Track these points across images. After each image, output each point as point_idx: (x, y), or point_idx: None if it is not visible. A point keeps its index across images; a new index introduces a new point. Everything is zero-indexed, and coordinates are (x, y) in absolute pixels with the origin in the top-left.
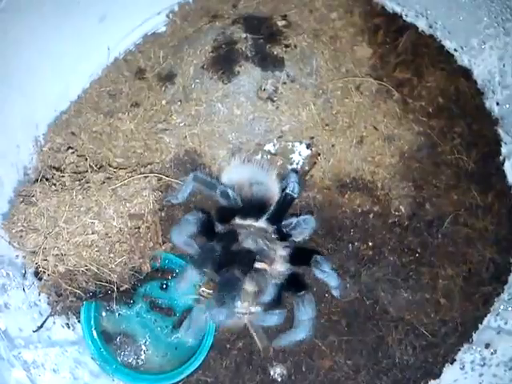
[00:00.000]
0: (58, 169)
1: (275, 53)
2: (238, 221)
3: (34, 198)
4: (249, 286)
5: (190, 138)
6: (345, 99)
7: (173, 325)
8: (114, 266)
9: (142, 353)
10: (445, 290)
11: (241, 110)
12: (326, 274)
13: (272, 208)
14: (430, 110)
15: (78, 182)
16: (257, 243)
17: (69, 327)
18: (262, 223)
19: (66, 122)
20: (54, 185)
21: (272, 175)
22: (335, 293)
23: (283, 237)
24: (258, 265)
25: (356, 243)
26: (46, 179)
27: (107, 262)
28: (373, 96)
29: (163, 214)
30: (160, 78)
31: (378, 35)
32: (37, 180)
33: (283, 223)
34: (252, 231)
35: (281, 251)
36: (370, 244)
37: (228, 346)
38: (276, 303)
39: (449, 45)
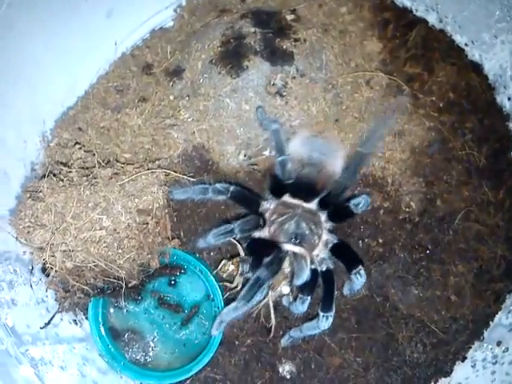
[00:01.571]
0: (65, 164)
1: (284, 47)
2: (287, 198)
3: (41, 194)
4: (285, 266)
5: (198, 133)
6: (354, 94)
7: (181, 321)
8: (122, 262)
9: (150, 350)
10: (456, 286)
11: (249, 105)
12: (359, 283)
13: (326, 191)
14: (441, 105)
15: (85, 178)
16: (299, 227)
17: (76, 324)
18: (312, 205)
19: (74, 118)
20: (62, 180)
21: (335, 158)
22: (346, 291)
23: (333, 220)
24: (296, 249)
25: (366, 240)
26: (54, 175)
27: (115, 257)
28: (383, 91)
29: (172, 210)
30: (168, 73)
31: (388, 30)
32: (44, 176)
33: (352, 202)
34: (298, 212)
35: (324, 236)
36: (381, 240)
37: (237, 342)
38: (307, 289)
39: (459, 39)
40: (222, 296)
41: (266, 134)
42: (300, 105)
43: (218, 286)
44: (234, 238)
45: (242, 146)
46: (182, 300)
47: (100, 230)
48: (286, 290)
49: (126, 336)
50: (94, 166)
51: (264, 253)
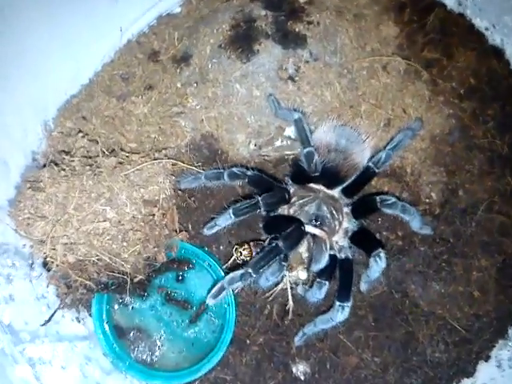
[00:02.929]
0: (67, 153)
1: (297, 30)
2: (310, 185)
3: (41, 184)
4: (302, 249)
5: (207, 121)
6: (371, 79)
7: (189, 319)
8: (127, 256)
9: (157, 348)
10: (479, 282)
11: (260, 90)
12: (377, 268)
13: (350, 180)
14: (461, 91)
15: (88, 167)
16: (320, 209)
17: (79, 321)
18: (334, 192)
19: (77, 106)
20: (63, 170)
21: (363, 147)
22: (363, 286)
23: (356, 210)
24: (316, 231)
25: (384, 233)
26: (55, 164)
27: (120, 251)
28: (400, 77)
29: (180, 201)
30: (175, 60)
31: (404, 14)
32: (45, 165)
33: (381, 198)
34: (319, 196)
35: (345, 224)
36: (400, 233)
37: (248, 341)
38: (325, 275)
39: (479, 23)
40: (233, 291)
41: (278, 122)
42: (313, 90)
43: None
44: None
45: (252, 135)
46: (191, 296)
47: (103, 221)
48: (303, 275)
49: (131, 334)
50: (98, 155)
51: (283, 230)
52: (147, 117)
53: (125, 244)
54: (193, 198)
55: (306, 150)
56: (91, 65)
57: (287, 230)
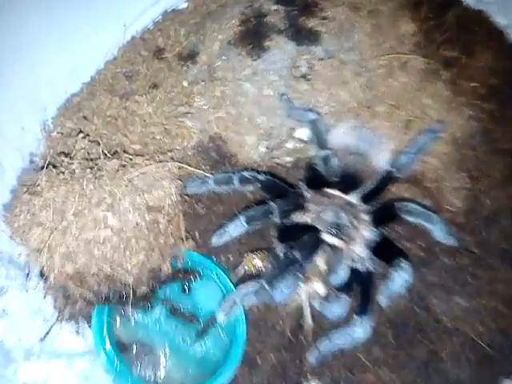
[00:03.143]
0: (67, 155)
1: (310, 26)
2: (326, 190)
3: (39, 188)
4: (319, 261)
5: (215, 122)
6: (389, 78)
7: (196, 333)
8: (129, 266)
9: (161, 366)
10: (504, 295)
11: (272, 89)
12: (400, 281)
13: (368, 185)
14: (483, 92)
15: (89, 170)
16: (338, 217)
17: (78, 335)
18: (352, 198)
19: (78, 106)
20: (62, 173)
21: (381, 149)
22: (382, 302)
23: (376, 218)
24: (334, 241)
25: (405, 243)
26: (54, 166)
27: (122, 261)
28: (419, 76)
29: (186, 207)
30: (181, 58)
31: (421, 11)
32: (43, 168)
33: (401, 205)
34: (336, 203)
35: (365, 232)
36: (421, 244)
37: (259, 359)
38: (344, 288)
39: (499, 21)
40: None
41: (291, 123)
42: (328, 89)
43: None
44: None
45: (263, 137)
46: (197, 309)
47: (105, 229)
48: (320, 289)
49: (133, 350)
50: (99, 158)
51: (299, 239)
52: (152, 117)
53: (127, 253)
54: (200, 205)
55: (323, 154)
56: (93, 62)
57: (303, 239)
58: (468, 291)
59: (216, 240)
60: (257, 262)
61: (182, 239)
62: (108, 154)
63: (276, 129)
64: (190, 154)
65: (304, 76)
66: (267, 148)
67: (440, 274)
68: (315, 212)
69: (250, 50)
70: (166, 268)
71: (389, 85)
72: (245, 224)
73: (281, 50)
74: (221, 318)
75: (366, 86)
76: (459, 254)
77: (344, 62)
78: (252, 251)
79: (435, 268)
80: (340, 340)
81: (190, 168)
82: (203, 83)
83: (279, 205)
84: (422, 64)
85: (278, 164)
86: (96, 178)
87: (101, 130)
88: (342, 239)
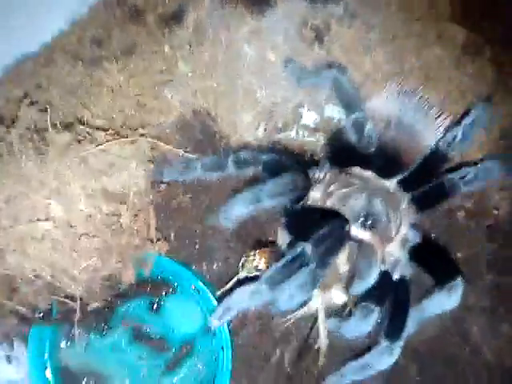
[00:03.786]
0: (2, 122)
1: None
2: (356, 170)
3: None
4: (342, 261)
5: (202, 93)
6: (422, 50)
7: (166, 364)
8: (77, 273)
9: None
10: None
11: (276, 54)
12: (447, 305)
13: (412, 167)
14: None
15: (31, 144)
16: (372, 204)
17: (9, 361)
18: (390, 183)
19: (32, 71)
20: None
21: (432, 126)
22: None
23: (419, 205)
24: (365, 235)
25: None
26: None
27: (68, 265)
28: (458, 51)
29: (159, 198)
30: (163, 19)
31: None
32: None
33: (458, 173)
34: (370, 187)
35: (405, 230)
36: (460, 255)
37: None
38: (373, 298)
39: None
40: (229, 327)
41: (299, 98)
42: (347, 56)
43: None
44: None
45: (262, 116)
46: (169, 333)
47: (45, 221)
48: (338, 297)
49: (84, 382)
50: (47, 129)
51: (316, 230)
52: (122, 87)
53: (74, 255)
54: (179, 195)
55: (353, 117)
56: (56, 21)
57: (321, 231)
58: None
59: (225, 218)
60: (258, 264)
61: (152, 240)
62: (59, 125)
63: (279, 105)
64: (167, 131)
65: (318, 38)
66: (266, 130)
67: (482, 295)
68: (340, 196)
69: (249, 5)
70: (128, 277)
71: (422, 57)
72: (242, 210)
73: (289, 5)
74: (215, 323)
75: (393, 56)
76: (506, 269)
77: (369, 25)
78: (255, 249)
79: (477, 286)
80: (356, 374)
81: (166, 147)
82: (189, 47)
83: (294, 179)
84: (462, 37)
85: (278, 150)
86: (40, 153)
87: (55, 99)
88: (374, 234)
